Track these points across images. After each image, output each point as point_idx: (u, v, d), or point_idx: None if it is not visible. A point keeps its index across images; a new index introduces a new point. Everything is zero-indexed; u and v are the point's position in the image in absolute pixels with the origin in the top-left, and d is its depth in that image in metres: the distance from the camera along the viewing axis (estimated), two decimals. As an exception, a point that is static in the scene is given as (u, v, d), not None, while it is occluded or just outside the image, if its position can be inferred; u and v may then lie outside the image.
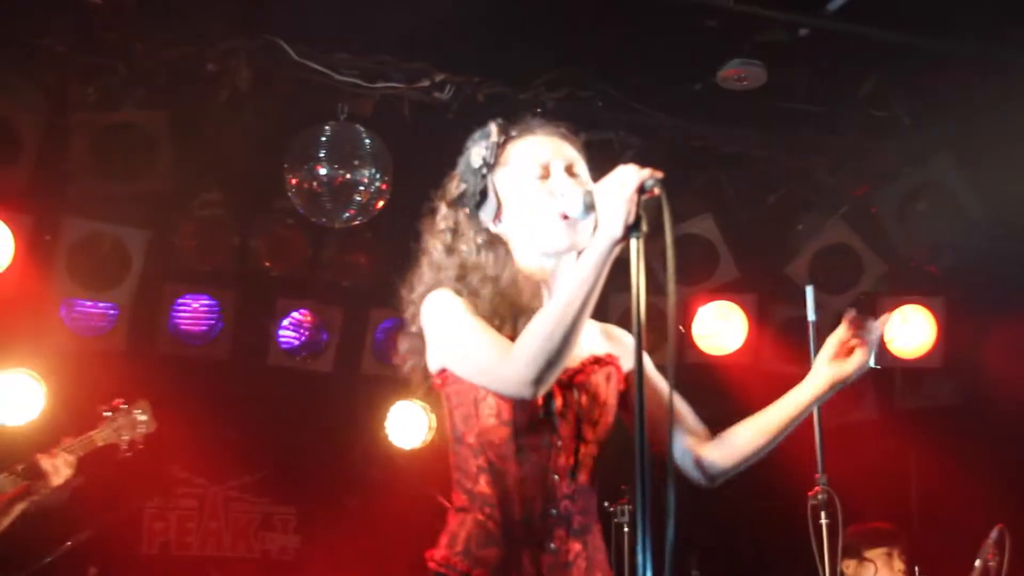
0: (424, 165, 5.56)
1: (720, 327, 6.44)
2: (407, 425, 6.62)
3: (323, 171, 5.29)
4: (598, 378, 2.66)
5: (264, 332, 6.15)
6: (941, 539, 6.00)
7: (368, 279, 6.16)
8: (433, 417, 6.58)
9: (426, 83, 5.05)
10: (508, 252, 2.66)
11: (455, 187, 2.71)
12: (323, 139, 5.28)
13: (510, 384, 2.42)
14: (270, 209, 5.89)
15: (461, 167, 2.72)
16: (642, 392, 2.20)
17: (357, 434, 6.73)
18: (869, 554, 5.07)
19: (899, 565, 5.06)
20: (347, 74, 5.01)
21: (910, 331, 6.40)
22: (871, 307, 6.32)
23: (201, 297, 5.94)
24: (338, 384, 6.45)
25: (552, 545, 2.54)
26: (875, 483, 6.96)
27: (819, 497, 4.07)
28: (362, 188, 5.33)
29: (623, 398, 2.71)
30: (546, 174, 2.64)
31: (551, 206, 2.59)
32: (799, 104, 5.42)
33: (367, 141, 5.28)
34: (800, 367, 5.97)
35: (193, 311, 5.96)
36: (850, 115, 5.53)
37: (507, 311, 2.56)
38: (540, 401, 2.52)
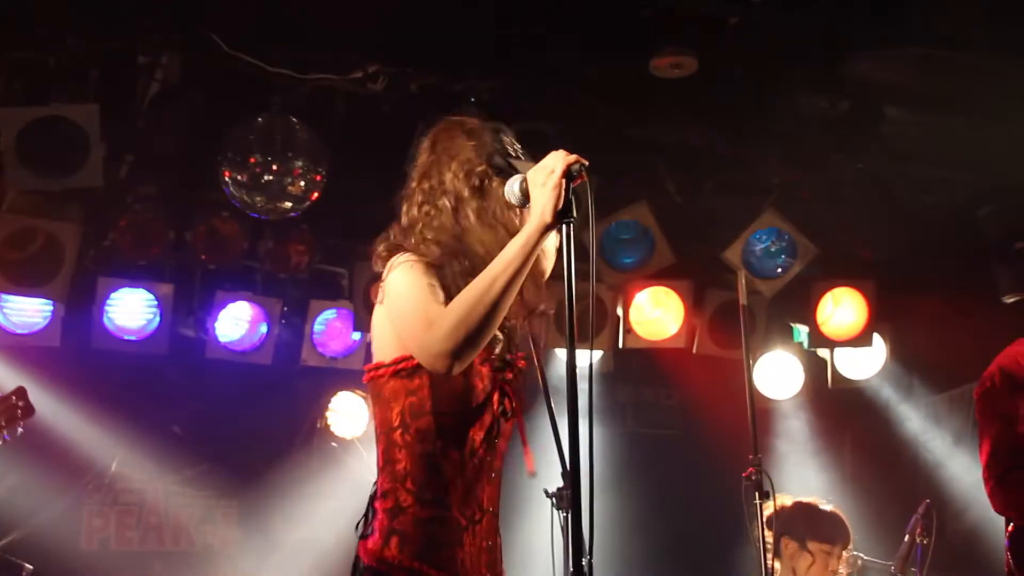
0: (359, 156, 5.60)
1: (656, 313, 6.51)
2: (348, 416, 6.62)
3: (257, 163, 5.27)
4: (517, 374, 2.71)
5: (202, 325, 6.11)
6: (871, 515, 6.14)
7: (306, 270, 6.14)
8: (375, 407, 6.57)
9: (359, 74, 5.05)
10: (474, 224, 2.64)
11: (468, 155, 2.65)
12: (256, 131, 5.26)
13: (427, 353, 2.44)
14: (205, 202, 5.85)
15: (484, 141, 2.67)
16: (574, 380, 2.25)
17: (298, 425, 6.72)
18: (811, 547, 5.09)
19: (835, 565, 5.08)
20: (279, 66, 4.99)
21: (842, 313, 6.51)
22: (804, 292, 6.44)
23: (137, 291, 5.88)
24: (278, 376, 6.43)
25: (488, 540, 2.60)
26: (809, 461, 7.11)
27: (753, 477, 4.13)
28: (296, 179, 5.32)
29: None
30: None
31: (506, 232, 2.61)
32: (732, 92, 5.48)
33: (300, 133, 5.27)
34: (736, 351, 6.12)
35: (129, 305, 5.91)
36: (782, 103, 5.61)
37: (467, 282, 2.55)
38: (492, 402, 2.58)
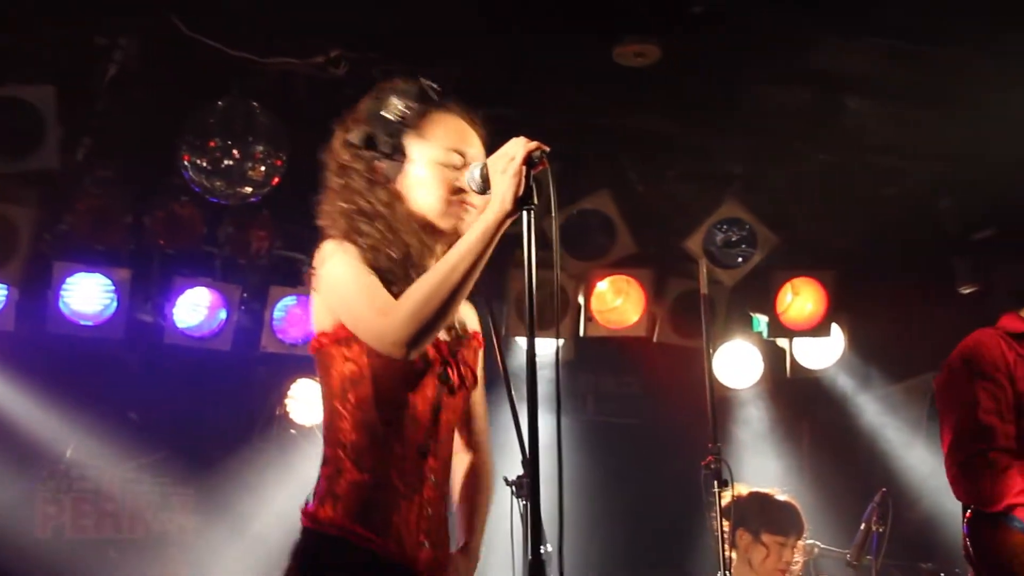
0: (321, 141, 5.54)
1: (617, 302, 6.53)
2: (307, 403, 6.59)
3: (217, 147, 5.22)
4: (469, 353, 2.73)
5: (160, 311, 6.05)
6: (828, 504, 6.20)
7: (266, 256, 6.10)
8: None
9: (321, 59, 5.01)
10: (407, 210, 2.63)
11: (358, 125, 2.68)
12: (216, 115, 5.21)
13: (384, 341, 2.44)
14: (164, 186, 5.78)
15: (371, 107, 2.69)
16: (533, 368, 2.25)
17: (257, 413, 6.69)
18: (765, 539, 5.12)
19: (789, 556, 5.12)
20: (240, 49, 4.93)
21: (801, 303, 6.56)
22: (764, 281, 6.48)
23: (94, 276, 5.82)
24: (237, 362, 6.39)
25: (429, 510, 2.60)
26: (768, 450, 7.16)
27: (712, 466, 4.15)
28: (257, 164, 5.28)
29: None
30: (463, 165, 2.64)
31: (450, 193, 2.62)
32: (695, 81, 5.49)
33: (261, 117, 5.22)
34: (696, 340, 6.14)
35: (85, 290, 5.84)
36: (745, 93, 5.63)
37: (402, 270, 2.57)
38: (435, 372, 2.58)
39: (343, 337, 2.58)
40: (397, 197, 2.63)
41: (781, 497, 5.22)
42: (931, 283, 6.51)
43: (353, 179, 2.64)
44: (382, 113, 2.66)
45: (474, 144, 2.70)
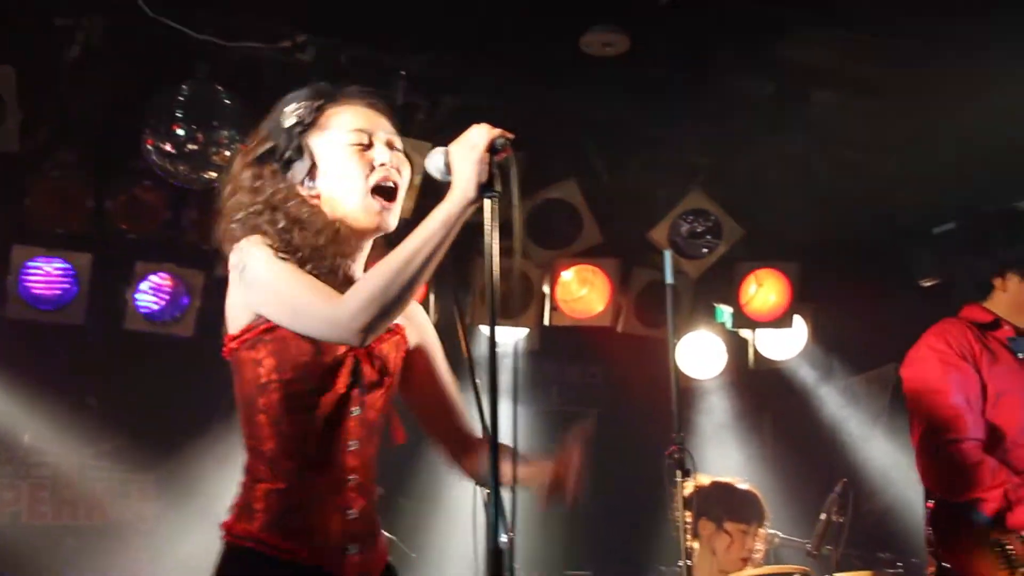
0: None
1: (582, 291, 6.54)
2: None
3: (181, 131, 5.16)
4: (388, 347, 2.64)
5: (121, 296, 6.00)
6: (790, 494, 6.24)
7: (229, 242, 6.04)
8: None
9: (287, 44, 4.97)
10: (320, 210, 2.57)
11: (260, 144, 2.63)
12: (181, 98, 5.15)
13: (338, 327, 2.37)
14: (127, 170, 5.72)
15: (270, 124, 2.64)
16: (495, 357, 2.24)
17: (218, 400, 6.63)
18: (728, 527, 5.18)
19: (752, 543, 5.17)
20: (205, 32, 4.88)
21: (764, 295, 6.60)
22: (728, 272, 6.51)
23: (54, 260, 5.75)
24: (199, 349, 6.33)
25: (351, 513, 2.54)
26: (730, 441, 7.21)
27: (675, 455, 4.17)
28: (222, 149, 5.23)
29: (403, 371, 2.71)
30: (367, 145, 2.61)
31: (364, 174, 2.57)
32: (663, 71, 5.50)
33: (226, 101, 5.17)
34: (660, 330, 6.15)
35: (46, 275, 5.78)
36: (712, 84, 5.64)
37: (323, 266, 2.51)
38: (346, 371, 2.52)
39: (249, 340, 2.50)
40: (308, 196, 2.58)
41: (742, 486, 5.27)
42: (892, 276, 6.57)
43: (260, 188, 2.58)
44: (279, 124, 2.62)
45: (379, 123, 2.65)
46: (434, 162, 2.45)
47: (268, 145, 2.61)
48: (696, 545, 5.11)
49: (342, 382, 2.52)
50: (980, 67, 5.07)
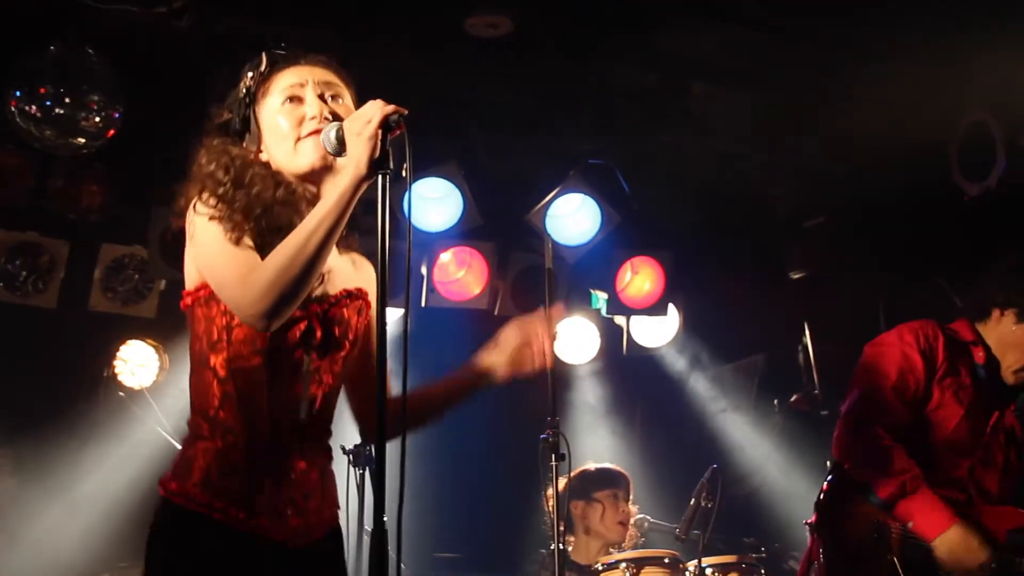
0: (160, 94, 5.33)
1: (460, 273, 6.52)
2: (137, 365, 6.39)
3: (48, 95, 4.97)
4: (350, 312, 2.64)
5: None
6: (660, 479, 6.35)
7: (97, 211, 5.86)
8: (166, 357, 6.39)
9: (163, 8, 4.81)
10: (275, 177, 2.58)
11: (221, 116, 2.67)
12: (49, 61, 4.95)
13: (243, 311, 2.40)
14: (-12, 134, 5.50)
15: (229, 97, 2.69)
16: (384, 337, 2.22)
17: (82, 373, 6.44)
18: (597, 495, 5.29)
19: (624, 507, 5.31)
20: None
21: (640, 282, 6.68)
22: (606, 259, 6.57)
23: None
24: (63, 321, 6.14)
25: (293, 476, 2.53)
26: (602, 426, 7.29)
27: (550, 439, 4.20)
28: (91, 115, 5.05)
29: (368, 334, 2.70)
30: (297, 99, 2.62)
31: (295, 128, 2.57)
32: (546, 56, 5.50)
33: (98, 65, 4.99)
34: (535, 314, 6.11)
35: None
36: (594, 71, 5.67)
37: (274, 236, 2.49)
38: (296, 333, 2.51)
39: (203, 297, 2.53)
40: (260, 162, 2.60)
41: (597, 464, 5.44)
42: (763, 267, 6.72)
43: (218, 157, 2.60)
44: (237, 95, 2.67)
45: (313, 75, 2.66)
46: (328, 137, 2.43)
47: (226, 117, 2.66)
48: (572, 538, 5.21)
49: (290, 345, 2.52)
50: (858, 63, 5.21)
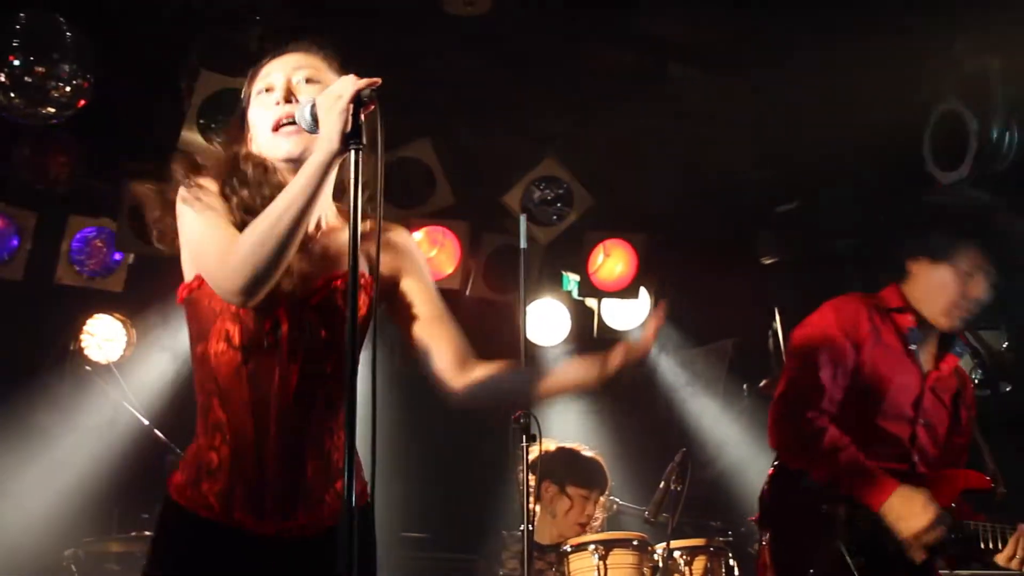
0: (133, 63, 5.26)
1: (432, 252, 6.50)
2: (104, 339, 6.33)
3: (17, 62, 4.89)
4: (340, 298, 2.54)
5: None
6: (629, 462, 6.36)
7: (66, 182, 5.78)
8: (134, 332, 6.34)
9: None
10: (260, 165, 2.56)
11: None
12: (18, 27, 4.87)
13: (222, 289, 2.40)
14: (-46, 101, 5.40)
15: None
16: (355, 316, 2.19)
17: (48, 347, 6.37)
18: (570, 491, 5.24)
19: (592, 510, 5.25)
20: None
21: (611, 264, 6.67)
22: (577, 241, 6.56)
23: None
24: (28, 294, 6.07)
25: (282, 472, 2.49)
26: (572, 408, 7.28)
27: (521, 420, 4.19)
28: (61, 84, 4.97)
29: (367, 320, 2.61)
30: (270, 88, 2.59)
31: (269, 122, 2.54)
32: (524, 35, 5.47)
33: (68, 33, 4.91)
34: (508, 295, 6.14)
35: None
36: (572, 51, 5.64)
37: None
38: (268, 325, 2.47)
39: (195, 288, 2.52)
40: (254, 155, 2.59)
41: (587, 453, 5.37)
42: (735, 252, 6.72)
43: (225, 148, 2.66)
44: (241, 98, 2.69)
45: (286, 64, 2.62)
46: (303, 115, 2.41)
47: (239, 111, 2.66)
48: (538, 509, 5.18)
49: (272, 339, 2.48)
50: (835, 50, 5.21)
